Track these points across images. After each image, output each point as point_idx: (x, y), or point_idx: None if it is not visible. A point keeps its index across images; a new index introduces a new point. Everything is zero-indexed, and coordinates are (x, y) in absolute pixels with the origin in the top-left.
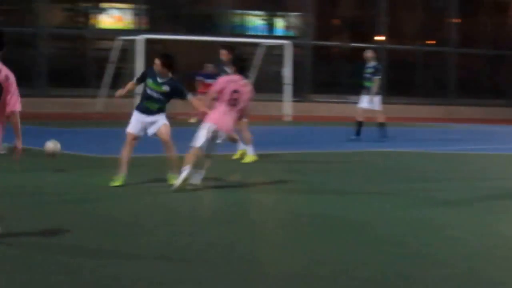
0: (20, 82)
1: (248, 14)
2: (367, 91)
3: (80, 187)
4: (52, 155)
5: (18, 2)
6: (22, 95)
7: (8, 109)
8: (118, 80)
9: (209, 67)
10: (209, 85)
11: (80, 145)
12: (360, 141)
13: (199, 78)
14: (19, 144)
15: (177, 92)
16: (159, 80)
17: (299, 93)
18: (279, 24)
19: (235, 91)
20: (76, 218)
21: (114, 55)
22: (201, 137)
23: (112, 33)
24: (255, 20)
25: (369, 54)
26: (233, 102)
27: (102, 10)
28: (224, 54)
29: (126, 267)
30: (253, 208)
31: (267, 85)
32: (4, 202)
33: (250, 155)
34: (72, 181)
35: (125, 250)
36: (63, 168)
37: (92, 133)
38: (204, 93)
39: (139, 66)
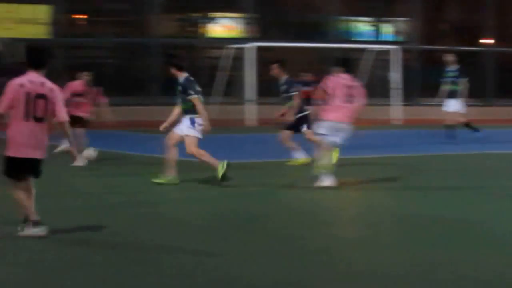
0: (133, 92)
1: (356, 20)
2: (452, 94)
3: (196, 189)
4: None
5: (131, 13)
6: (136, 104)
7: (56, 119)
8: (230, 87)
9: (307, 75)
10: (306, 92)
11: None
12: (458, 144)
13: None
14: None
15: (183, 89)
16: (178, 82)
17: (408, 97)
18: (387, 29)
19: (348, 87)
20: (190, 217)
21: (225, 63)
22: (329, 137)
23: (223, 42)
24: (363, 26)
25: (449, 57)
26: (348, 99)
27: (213, 20)
28: (274, 68)
29: (243, 267)
30: (369, 209)
31: (375, 89)
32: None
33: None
34: (188, 184)
35: (241, 250)
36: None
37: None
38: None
39: (250, 74)
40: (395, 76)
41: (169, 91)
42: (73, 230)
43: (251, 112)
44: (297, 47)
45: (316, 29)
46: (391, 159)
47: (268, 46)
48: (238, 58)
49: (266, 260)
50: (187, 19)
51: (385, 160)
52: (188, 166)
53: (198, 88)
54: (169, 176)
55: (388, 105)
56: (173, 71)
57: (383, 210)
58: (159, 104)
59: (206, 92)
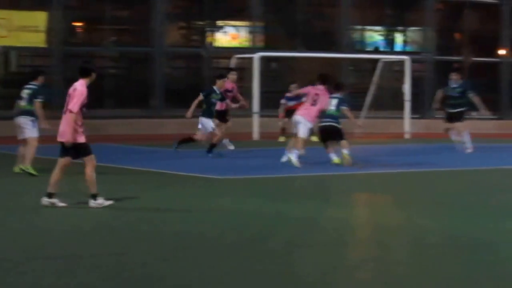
0: (137, 103)
1: (368, 30)
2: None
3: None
4: None
5: (134, 21)
6: (140, 116)
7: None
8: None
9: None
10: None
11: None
12: None
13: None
14: None
15: None
16: None
17: (420, 110)
18: (400, 39)
19: (316, 94)
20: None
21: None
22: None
23: (228, 51)
24: (375, 35)
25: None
26: (313, 103)
27: (218, 28)
28: None
29: None
30: (380, 226)
31: (388, 101)
32: None
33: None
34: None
35: None
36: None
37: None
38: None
39: (256, 84)
40: (407, 87)
41: (173, 102)
42: None
43: (256, 125)
44: (305, 57)
45: (326, 38)
46: (399, 174)
47: (275, 56)
48: (244, 68)
49: None
50: (193, 28)
51: (394, 176)
52: None
53: None
54: None
55: (402, 118)
56: None
57: (394, 230)
58: (162, 116)
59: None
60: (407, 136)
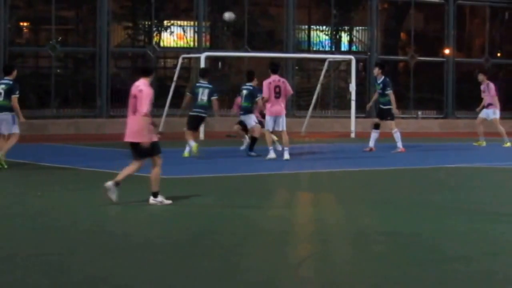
0: (81, 103)
1: (313, 29)
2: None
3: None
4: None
5: (80, 21)
6: (84, 116)
7: None
8: (181, 99)
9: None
10: None
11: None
12: None
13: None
14: None
15: None
16: None
17: (366, 109)
18: (345, 39)
19: (276, 86)
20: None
21: (175, 74)
22: (267, 123)
23: (175, 51)
24: (320, 35)
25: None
26: (277, 95)
27: (165, 28)
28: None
29: None
30: (322, 225)
31: (333, 101)
32: None
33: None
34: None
35: None
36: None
37: None
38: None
39: None
40: (353, 87)
41: (118, 102)
42: None
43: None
44: (251, 57)
45: (271, 38)
46: (342, 173)
47: (221, 56)
48: (190, 68)
49: None
50: (138, 28)
51: (337, 174)
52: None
53: None
54: None
55: (348, 117)
56: None
57: (336, 226)
58: (108, 116)
59: (157, 104)
60: (353, 135)
